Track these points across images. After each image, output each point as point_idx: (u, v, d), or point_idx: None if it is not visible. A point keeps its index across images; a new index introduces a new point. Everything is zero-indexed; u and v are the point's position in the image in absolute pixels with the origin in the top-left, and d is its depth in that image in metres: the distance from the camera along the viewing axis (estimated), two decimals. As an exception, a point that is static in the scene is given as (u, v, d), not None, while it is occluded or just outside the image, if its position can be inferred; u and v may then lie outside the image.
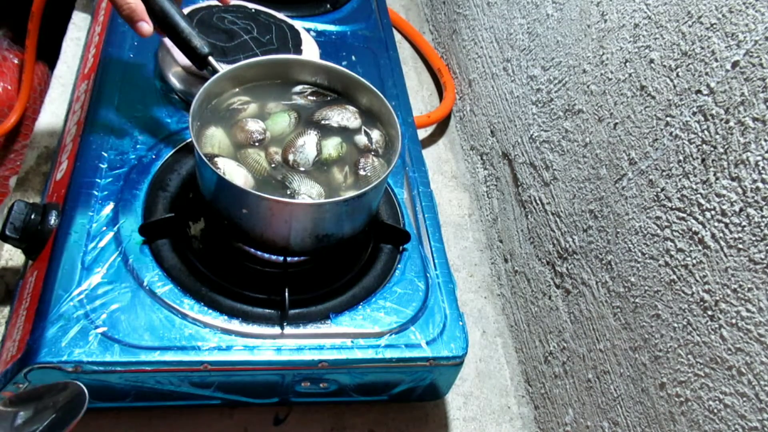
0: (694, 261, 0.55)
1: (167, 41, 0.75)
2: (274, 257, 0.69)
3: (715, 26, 0.54)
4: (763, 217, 0.48)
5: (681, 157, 0.57)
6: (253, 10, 0.90)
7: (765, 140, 0.49)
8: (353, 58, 0.97)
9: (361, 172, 0.68)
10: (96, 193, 0.69)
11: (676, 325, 0.57)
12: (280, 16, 0.92)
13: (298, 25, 0.92)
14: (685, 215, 0.56)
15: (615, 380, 0.66)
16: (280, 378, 0.66)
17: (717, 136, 0.53)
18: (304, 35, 0.90)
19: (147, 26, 0.65)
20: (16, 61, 1.22)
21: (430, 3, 1.29)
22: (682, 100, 0.57)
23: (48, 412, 0.44)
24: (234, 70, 0.70)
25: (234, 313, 0.65)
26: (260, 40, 0.85)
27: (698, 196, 0.55)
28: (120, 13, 0.65)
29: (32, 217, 0.67)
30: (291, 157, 0.67)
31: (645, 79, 0.62)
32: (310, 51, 0.88)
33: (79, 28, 1.03)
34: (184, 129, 0.79)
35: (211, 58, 0.71)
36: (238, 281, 0.67)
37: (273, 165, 0.67)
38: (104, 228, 0.67)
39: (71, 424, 0.42)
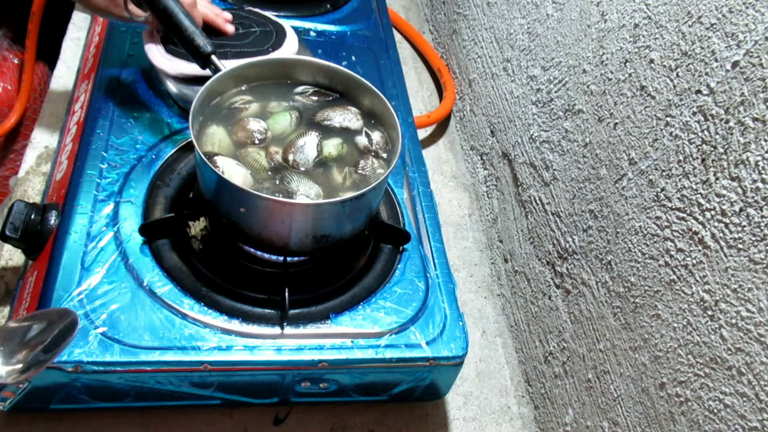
0: (694, 261, 0.55)
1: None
2: (273, 257, 0.69)
3: (715, 26, 0.54)
4: (763, 217, 0.48)
5: (681, 157, 0.57)
6: (236, 7, 0.89)
7: (765, 140, 0.49)
8: (353, 58, 0.97)
9: (361, 173, 0.68)
10: (96, 193, 0.69)
11: (676, 325, 0.57)
12: (266, 13, 0.90)
13: (284, 22, 0.89)
14: (685, 215, 0.56)
15: (615, 380, 0.66)
16: (280, 378, 0.66)
17: (717, 136, 0.53)
18: (289, 32, 0.87)
19: None
20: (16, 61, 1.21)
21: (430, 3, 1.29)
22: (682, 100, 0.57)
23: (55, 326, 0.51)
24: (236, 69, 0.70)
25: (234, 313, 0.65)
26: (244, 38, 0.83)
27: (698, 196, 0.55)
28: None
29: (32, 217, 0.67)
30: (291, 157, 0.67)
31: (645, 79, 0.62)
32: (291, 47, 0.86)
33: (79, 28, 1.03)
34: (184, 129, 0.79)
35: (213, 57, 0.71)
36: (238, 281, 0.67)
37: (273, 164, 0.67)
38: (104, 228, 0.67)
39: (67, 340, 0.51)
